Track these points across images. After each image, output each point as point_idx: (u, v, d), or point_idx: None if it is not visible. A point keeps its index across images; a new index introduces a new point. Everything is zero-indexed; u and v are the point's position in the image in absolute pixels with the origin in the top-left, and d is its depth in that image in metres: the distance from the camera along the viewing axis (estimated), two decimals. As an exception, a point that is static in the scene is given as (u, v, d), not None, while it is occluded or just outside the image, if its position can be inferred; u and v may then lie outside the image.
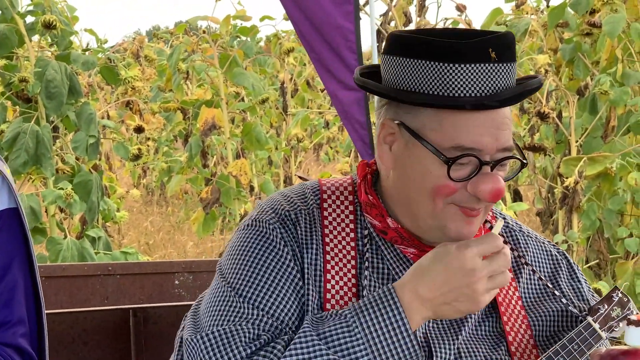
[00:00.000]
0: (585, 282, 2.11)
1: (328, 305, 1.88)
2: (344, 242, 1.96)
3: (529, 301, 2.04)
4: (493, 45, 1.81)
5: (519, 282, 2.04)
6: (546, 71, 6.02)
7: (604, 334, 1.90)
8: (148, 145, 8.75)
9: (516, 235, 2.10)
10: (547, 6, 6.37)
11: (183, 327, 1.99)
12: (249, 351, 1.82)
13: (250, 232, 1.96)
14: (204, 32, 7.28)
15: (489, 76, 1.81)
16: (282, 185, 9.40)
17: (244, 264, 1.93)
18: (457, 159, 1.81)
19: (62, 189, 5.27)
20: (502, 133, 1.84)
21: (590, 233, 5.85)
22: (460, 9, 7.02)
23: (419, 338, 1.83)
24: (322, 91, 9.82)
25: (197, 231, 6.97)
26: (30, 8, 5.48)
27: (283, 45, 8.27)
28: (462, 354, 1.92)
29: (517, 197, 6.53)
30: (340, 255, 1.94)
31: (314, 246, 1.94)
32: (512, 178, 1.95)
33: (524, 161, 1.90)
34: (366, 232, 1.98)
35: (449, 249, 1.79)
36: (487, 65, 1.80)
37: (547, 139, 6.28)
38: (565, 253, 2.14)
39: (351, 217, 1.99)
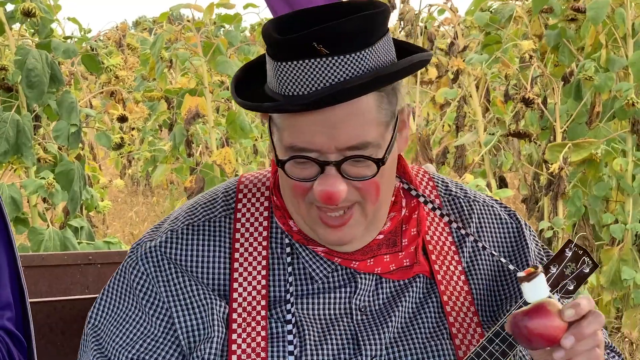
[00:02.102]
0: (536, 245, 2.03)
1: (235, 315, 1.83)
2: (255, 244, 1.90)
3: (474, 274, 1.96)
4: (320, 38, 1.67)
5: (462, 254, 1.96)
6: (531, 57, 6.05)
7: (555, 296, 1.78)
8: (132, 135, 8.77)
9: (460, 202, 2.01)
10: (531, -7, 6.35)
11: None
12: None
13: (117, 280, 1.93)
14: (187, 20, 7.26)
15: (316, 73, 1.69)
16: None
17: (106, 314, 1.91)
18: (290, 160, 1.74)
19: (43, 178, 5.26)
20: (340, 132, 1.71)
21: (576, 219, 5.87)
22: (446, -4, 7.03)
23: (347, 334, 1.84)
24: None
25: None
26: (8, -4, 5.45)
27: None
28: (397, 344, 1.86)
29: (502, 183, 6.57)
30: (250, 258, 1.88)
31: (217, 257, 1.88)
32: (370, 178, 1.75)
33: (378, 159, 1.74)
34: (285, 238, 1.91)
35: None
36: (315, 60, 1.68)
37: (532, 126, 6.31)
38: (517, 214, 2.05)
39: (265, 214, 1.93)
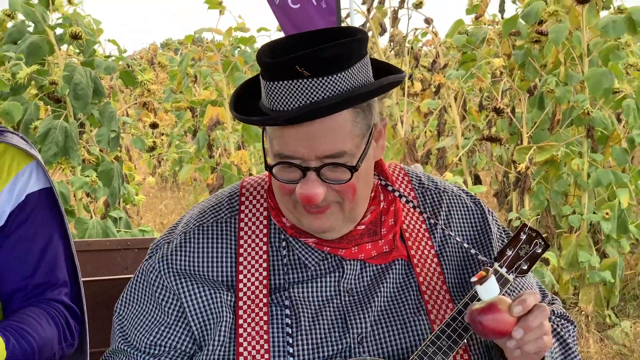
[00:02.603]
0: (498, 228, 1.99)
1: (241, 303, 1.81)
2: (257, 240, 1.87)
3: (445, 256, 1.92)
4: (302, 62, 1.65)
5: (434, 240, 1.92)
6: (501, 73, 6.01)
7: (511, 277, 1.80)
8: (162, 139, 8.74)
9: (430, 194, 1.98)
10: (502, 17, 6.37)
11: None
12: None
13: (137, 278, 1.92)
14: (208, 42, 7.27)
15: (298, 91, 1.67)
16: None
17: (129, 306, 1.91)
18: (277, 165, 1.74)
19: (88, 176, 5.26)
20: (318, 143, 1.69)
21: (540, 211, 5.84)
22: (428, 21, 7.03)
23: (336, 314, 1.82)
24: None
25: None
26: (60, 21, 5.47)
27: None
28: (381, 321, 1.84)
29: (477, 180, 6.56)
30: (253, 253, 1.86)
31: (225, 254, 1.86)
32: (346, 182, 1.73)
33: (351, 166, 1.72)
34: (279, 232, 1.90)
35: None
36: (297, 81, 1.66)
37: (502, 131, 6.31)
38: (481, 202, 2.02)
39: (265, 214, 1.90)
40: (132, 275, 1.95)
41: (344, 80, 1.68)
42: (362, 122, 1.72)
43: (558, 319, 1.91)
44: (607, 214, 5.61)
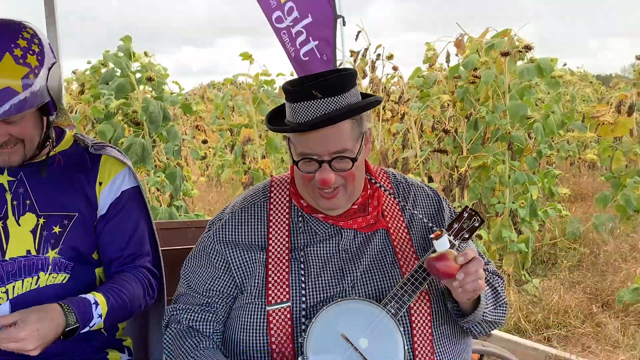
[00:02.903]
0: (449, 209, 1.95)
1: (269, 260, 1.78)
2: (281, 216, 1.84)
3: (412, 228, 1.87)
4: (316, 87, 1.68)
5: (405, 216, 1.89)
6: (447, 104, 6.02)
7: (456, 242, 1.77)
8: (210, 151, 8.71)
9: (402, 186, 1.94)
10: (448, 66, 6.40)
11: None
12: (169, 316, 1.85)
13: (198, 245, 1.90)
14: (242, 83, 7.31)
15: (314, 108, 1.68)
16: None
17: (192, 264, 1.89)
18: (301, 160, 1.74)
19: (158, 177, 5.32)
20: (329, 143, 1.70)
21: (474, 201, 5.86)
22: (395, 68, 7.00)
23: (336, 267, 1.79)
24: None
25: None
26: (139, 68, 5.52)
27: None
28: (367, 272, 1.80)
29: (430, 180, 6.52)
30: (278, 224, 1.83)
31: (259, 226, 1.84)
32: (349, 170, 1.74)
33: (352, 157, 1.73)
34: (298, 210, 1.86)
35: None
36: (313, 101, 1.68)
37: (448, 145, 6.24)
38: (436, 191, 1.99)
39: (287, 199, 1.87)
40: (192, 246, 1.94)
41: (344, 99, 1.70)
42: (357, 129, 1.74)
43: (491, 274, 1.88)
44: (522, 203, 5.63)
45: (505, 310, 1.87)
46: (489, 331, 1.84)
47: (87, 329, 1.74)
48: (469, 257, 1.65)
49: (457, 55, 6.13)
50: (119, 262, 1.92)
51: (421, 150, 6.35)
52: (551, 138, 6.06)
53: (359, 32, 5.61)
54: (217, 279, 1.82)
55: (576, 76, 11.91)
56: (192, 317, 1.82)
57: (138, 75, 5.49)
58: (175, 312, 1.84)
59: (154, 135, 5.50)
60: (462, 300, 1.72)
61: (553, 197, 6.55)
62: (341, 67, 4.09)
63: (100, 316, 1.76)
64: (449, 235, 1.78)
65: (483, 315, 1.77)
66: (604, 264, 5.44)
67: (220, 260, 1.83)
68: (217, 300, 1.82)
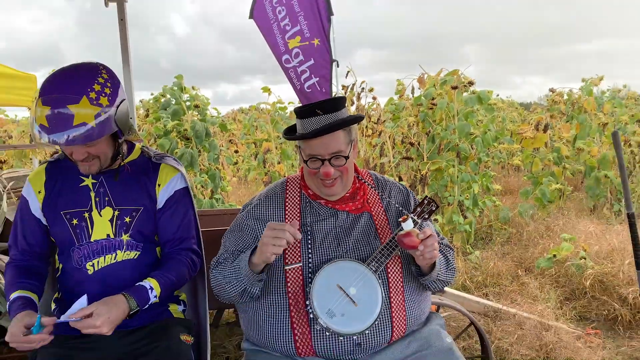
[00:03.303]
0: (413, 199, 1.91)
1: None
2: (294, 202, 1.83)
3: (388, 212, 1.85)
4: (319, 107, 1.71)
5: (383, 203, 1.86)
6: (413, 124, 6.06)
7: (419, 221, 1.77)
8: (240, 158, 8.76)
9: (381, 182, 1.93)
10: (413, 96, 6.38)
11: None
12: (215, 262, 1.81)
13: (235, 222, 1.88)
14: (262, 109, 7.29)
15: (317, 122, 1.70)
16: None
17: (229, 235, 1.86)
18: (309, 160, 1.74)
19: (202, 177, 5.30)
20: (330, 146, 1.71)
21: (432, 194, 5.87)
22: (374, 98, 6.98)
23: (334, 238, 1.75)
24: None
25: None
26: (188, 98, 5.50)
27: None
28: (356, 242, 1.77)
29: (400, 179, 6.57)
30: (292, 208, 1.81)
31: (278, 209, 1.82)
32: (343, 165, 1.74)
33: (345, 156, 1.73)
34: (306, 198, 1.85)
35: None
36: (316, 117, 1.70)
37: (413, 154, 6.28)
38: (407, 188, 1.96)
39: (298, 190, 1.86)
40: (227, 227, 1.92)
41: (338, 115, 1.73)
42: (348, 137, 1.75)
43: (444, 247, 1.88)
44: (467, 196, 5.62)
45: (454, 273, 1.87)
46: (442, 288, 1.83)
47: (147, 306, 1.72)
48: (427, 234, 1.66)
49: (419, 88, 6.12)
50: (172, 243, 1.88)
51: (393, 158, 6.35)
52: (488, 149, 6.02)
53: (348, 71, 5.59)
54: (246, 244, 1.80)
55: (505, 103, 11.92)
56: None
57: (187, 103, 5.46)
58: (215, 263, 1.81)
59: (199, 147, 5.39)
60: (422, 265, 1.72)
61: (489, 191, 6.54)
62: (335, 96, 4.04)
63: (155, 296, 1.74)
64: (413, 216, 1.77)
65: (437, 276, 1.77)
66: (527, 240, 5.41)
67: (250, 232, 1.81)
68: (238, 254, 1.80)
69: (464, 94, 5.71)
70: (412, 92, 6.34)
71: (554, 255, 4.39)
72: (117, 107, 1.70)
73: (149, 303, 1.74)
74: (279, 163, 6.56)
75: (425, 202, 1.82)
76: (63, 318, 1.58)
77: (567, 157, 6.72)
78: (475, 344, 3.17)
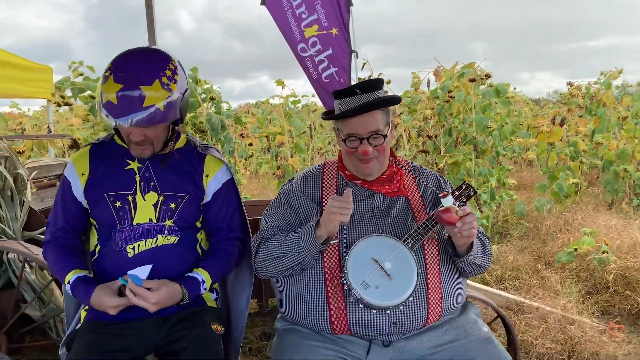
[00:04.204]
0: (450, 186, 1.95)
1: (323, 210, 1.77)
2: (331, 182, 1.86)
3: (425, 196, 1.87)
4: (358, 87, 1.74)
5: (419, 188, 1.89)
6: (430, 117, 6.01)
7: (457, 204, 1.72)
8: (253, 152, 8.74)
9: (419, 169, 1.96)
10: (429, 89, 6.34)
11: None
12: (264, 238, 1.80)
13: (278, 196, 1.90)
14: (276, 102, 7.28)
15: (356, 100, 1.73)
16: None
17: (271, 209, 1.88)
18: (347, 139, 1.76)
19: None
20: (369, 125, 1.74)
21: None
22: (386, 92, 7.00)
23: (371, 218, 1.77)
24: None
25: (275, 189, 7.04)
26: (203, 91, 5.48)
27: (310, 108, 8.33)
28: (393, 225, 1.78)
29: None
30: (329, 187, 1.84)
31: (315, 189, 1.86)
32: (381, 144, 1.76)
33: (384, 135, 1.75)
34: (343, 179, 1.88)
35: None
36: (356, 96, 1.73)
37: (430, 147, 6.27)
38: (442, 176, 2.01)
39: (335, 171, 1.89)
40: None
41: (376, 95, 1.76)
42: (386, 117, 1.78)
43: (480, 233, 1.86)
44: (484, 190, 5.60)
45: (489, 259, 1.85)
46: (478, 273, 1.82)
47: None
48: (467, 211, 1.67)
49: (435, 81, 6.07)
50: (219, 232, 1.90)
51: (409, 151, 6.32)
52: (504, 142, 5.97)
53: (364, 63, 5.55)
54: (289, 218, 1.82)
55: (520, 98, 11.85)
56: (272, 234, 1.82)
57: (203, 96, 5.45)
58: (262, 239, 1.79)
59: (214, 140, 5.46)
60: (459, 244, 1.71)
61: (504, 186, 6.49)
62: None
63: (205, 289, 1.79)
64: (452, 197, 1.77)
65: (474, 259, 1.76)
66: (545, 234, 5.35)
67: (291, 206, 1.84)
68: (286, 227, 1.82)
69: (480, 87, 5.67)
70: (428, 86, 6.30)
71: (575, 249, 4.34)
72: (183, 94, 1.73)
73: (201, 293, 1.77)
74: (291, 156, 6.53)
75: (464, 186, 1.82)
76: (130, 273, 1.66)
77: (585, 152, 6.66)
78: (499, 337, 3.15)
